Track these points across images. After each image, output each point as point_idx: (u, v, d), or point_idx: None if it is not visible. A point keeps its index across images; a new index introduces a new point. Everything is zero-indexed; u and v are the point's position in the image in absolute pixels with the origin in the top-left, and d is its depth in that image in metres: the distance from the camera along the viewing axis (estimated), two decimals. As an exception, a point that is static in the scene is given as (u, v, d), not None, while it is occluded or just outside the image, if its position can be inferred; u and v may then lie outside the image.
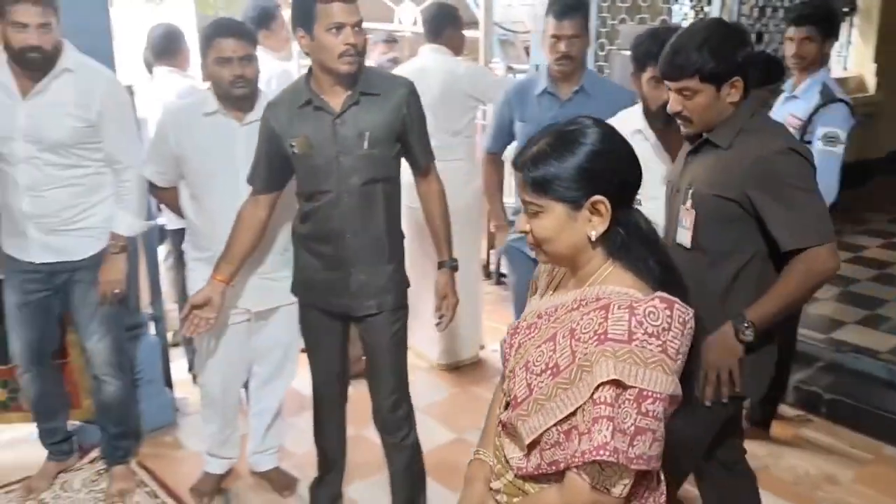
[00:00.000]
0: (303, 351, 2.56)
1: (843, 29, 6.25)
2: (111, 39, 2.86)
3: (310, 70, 2.20)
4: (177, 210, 2.68)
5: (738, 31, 1.87)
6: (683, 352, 1.19)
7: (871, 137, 6.06)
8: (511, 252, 3.00)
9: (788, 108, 2.94)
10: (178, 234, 3.08)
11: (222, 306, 2.37)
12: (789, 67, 3.01)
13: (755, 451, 3.01)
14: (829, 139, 2.78)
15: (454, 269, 2.40)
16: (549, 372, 1.23)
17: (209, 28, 2.43)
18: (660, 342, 1.14)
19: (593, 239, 1.23)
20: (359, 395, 2.52)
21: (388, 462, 2.47)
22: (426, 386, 3.53)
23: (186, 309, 2.36)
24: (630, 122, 2.33)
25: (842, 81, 5.30)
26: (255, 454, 2.82)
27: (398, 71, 3.58)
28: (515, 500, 1.31)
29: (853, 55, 6.67)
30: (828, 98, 2.83)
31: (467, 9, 5.38)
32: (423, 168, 2.34)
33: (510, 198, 4.66)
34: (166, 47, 3.52)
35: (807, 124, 2.85)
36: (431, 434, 2.77)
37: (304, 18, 2.09)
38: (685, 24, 4.61)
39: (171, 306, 3.63)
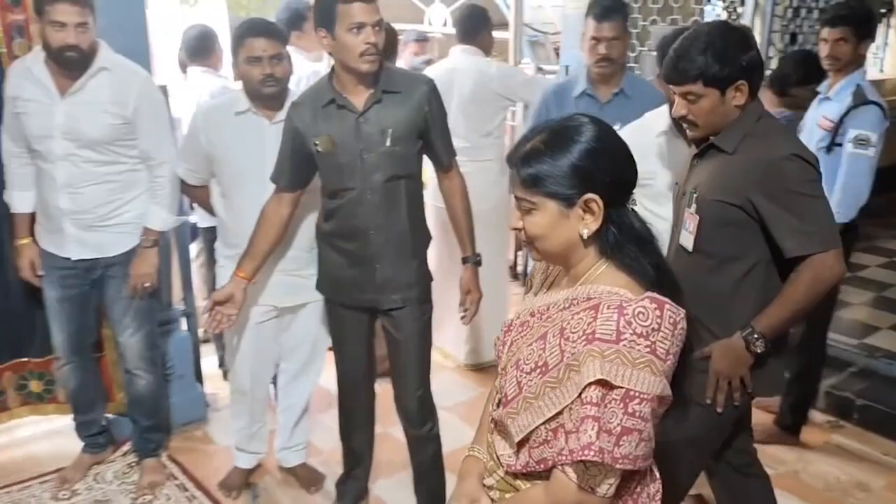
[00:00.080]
0: (330, 349, 2.59)
1: (880, 30, 6.15)
2: (148, 39, 2.91)
3: (332, 70, 2.24)
4: (208, 208, 2.73)
5: (742, 34, 1.84)
6: (674, 352, 1.18)
7: (908, 141, 5.95)
8: None
9: (822, 110, 2.91)
10: (210, 232, 3.14)
11: (244, 303, 2.40)
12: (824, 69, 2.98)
13: (785, 457, 2.99)
14: (860, 142, 2.74)
15: (478, 264, 2.42)
16: (538, 370, 1.23)
17: (240, 28, 2.47)
18: (648, 342, 1.14)
19: (585, 237, 1.23)
20: (385, 393, 2.54)
21: (414, 455, 2.49)
22: (453, 385, 3.54)
23: (209, 304, 2.41)
24: (657, 123, 2.33)
25: (878, 84, 5.21)
26: (283, 450, 2.86)
27: (429, 71, 3.60)
28: (507, 496, 1.32)
29: (890, 57, 6.56)
30: (860, 100, 2.79)
31: (497, 10, 5.40)
32: (446, 164, 2.36)
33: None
34: (200, 48, 3.57)
35: (838, 126, 2.81)
36: (457, 433, 2.78)
37: (326, 19, 2.13)
38: (717, 25, 4.58)
39: (202, 303, 3.68)
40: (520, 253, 4.75)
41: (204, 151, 2.52)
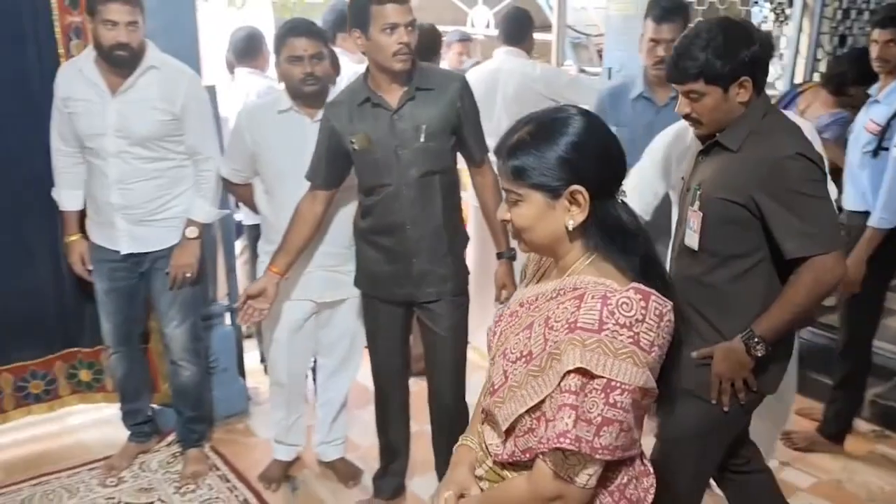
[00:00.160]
0: (367, 347, 2.64)
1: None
2: (197, 41, 2.99)
3: (368, 69, 2.29)
4: (251, 205, 2.79)
5: (743, 30, 1.80)
6: (660, 344, 1.17)
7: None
8: None
9: (870, 113, 2.85)
10: (254, 229, 3.20)
11: (276, 297, 2.46)
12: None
13: (828, 466, 2.94)
14: None
15: (512, 258, 2.44)
16: (523, 359, 1.23)
17: (282, 28, 2.53)
18: (631, 333, 1.13)
19: (571, 229, 1.22)
20: (421, 391, 2.57)
21: (437, 452, 2.54)
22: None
23: (242, 298, 2.47)
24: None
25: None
26: (322, 444, 2.91)
27: (473, 73, 3.63)
28: (496, 486, 1.32)
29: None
30: (908, 103, 2.73)
31: (540, 11, 5.40)
32: (478, 160, 2.39)
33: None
34: (247, 49, 3.65)
35: (885, 130, 2.75)
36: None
37: (361, 20, 2.18)
38: (765, 26, 4.52)
39: (245, 299, 3.76)
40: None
41: (248, 150, 2.58)
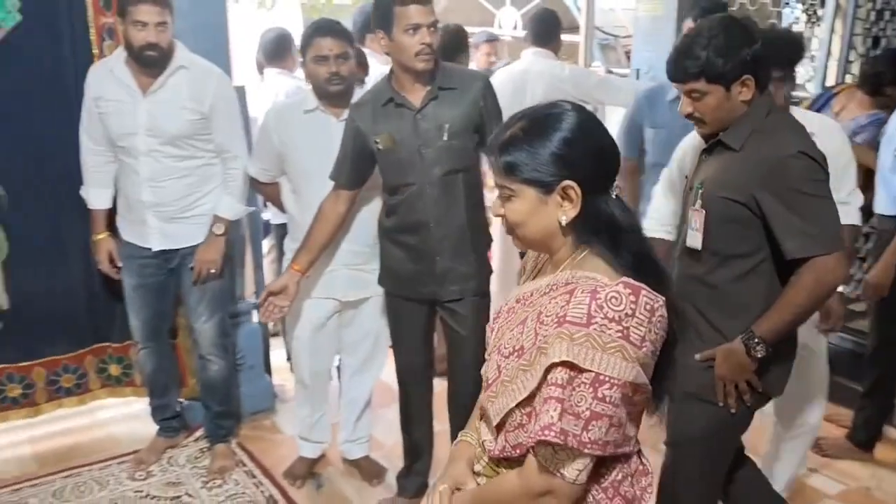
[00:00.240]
0: (391, 347, 2.65)
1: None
2: (228, 42, 3.03)
3: (392, 70, 2.32)
4: (278, 204, 2.83)
5: (744, 28, 1.79)
6: (652, 340, 1.16)
7: None
8: None
9: (904, 116, 2.81)
10: (282, 229, 3.24)
11: (297, 294, 2.49)
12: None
13: (857, 473, 2.90)
14: None
15: None
16: (515, 354, 1.23)
17: (309, 28, 2.56)
18: (620, 327, 1.12)
19: (563, 224, 1.22)
20: (445, 391, 2.58)
21: None
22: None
23: (263, 295, 2.50)
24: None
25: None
26: (347, 443, 2.93)
27: (501, 74, 3.64)
28: (489, 481, 1.32)
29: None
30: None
31: (567, 13, 5.39)
32: None
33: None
34: (277, 50, 3.69)
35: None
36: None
37: (384, 21, 2.21)
38: (796, 27, 4.47)
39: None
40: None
41: (275, 149, 2.61)
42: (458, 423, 2.49)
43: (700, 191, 1.83)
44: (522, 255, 2.41)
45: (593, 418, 1.12)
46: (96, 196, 2.74)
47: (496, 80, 3.44)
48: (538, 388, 1.18)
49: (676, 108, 2.72)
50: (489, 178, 3.00)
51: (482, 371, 1.36)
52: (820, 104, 3.42)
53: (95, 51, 2.76)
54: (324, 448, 2.94)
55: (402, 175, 2.31)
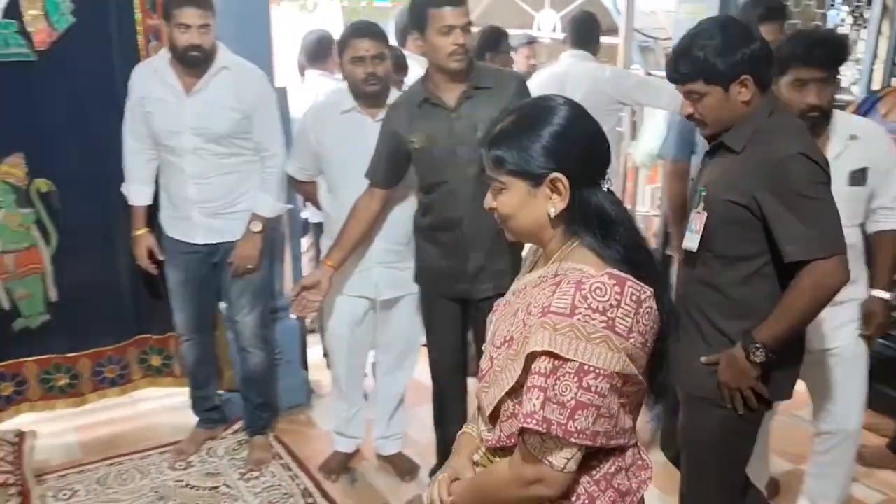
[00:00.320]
0: (425, 346, 2.68)
1: None
2: (271, 44, 3.10)
3: (427, 71, 2.36)
4: (316, 203, 2.88)
5: (742, 28, 1.77)
6: (640, 331, 1.16)
7: None
8: None
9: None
10: (320, 227, 3.29)
11: (329, 290, 2.53)
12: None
13: (893, 482, 2.84)
14: None
15: None
16: (505, 344, 1.25)
17: (347, 30, 2.62)
18: (605, 318, 1.13)
19: (552, 216, 1.23)
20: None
21: None
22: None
23: (297, 289, 2.55)
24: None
25: None
26: (380, 439, 2.96)
27: (539, 76, 3.65)
28: (483, 470, 1.34)
29: None
30: None
31: (607, 15, 5.37)
32: None
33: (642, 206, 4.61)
34: (318, 52, 3.75)
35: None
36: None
37: (419, 22, 2.27)
38: (842, 30, 4.39)
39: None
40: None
41: (312, 149, 2.67)
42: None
43: (703, 194, 1.83)
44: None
45: (579, 408, 1.13)
46: (137, 193, 2.81)
47: (535, 83, 3.46)
48: (525, 377, 1.19)
49: None
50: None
51: (480, 363, 1.39)
52: (866, 108, 3.36)
53: (142, 52, 2.84)
54: (358, 443, 2.98)
55: (437, 174, 2.34)
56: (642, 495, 1.32)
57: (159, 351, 3.15)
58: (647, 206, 4.51)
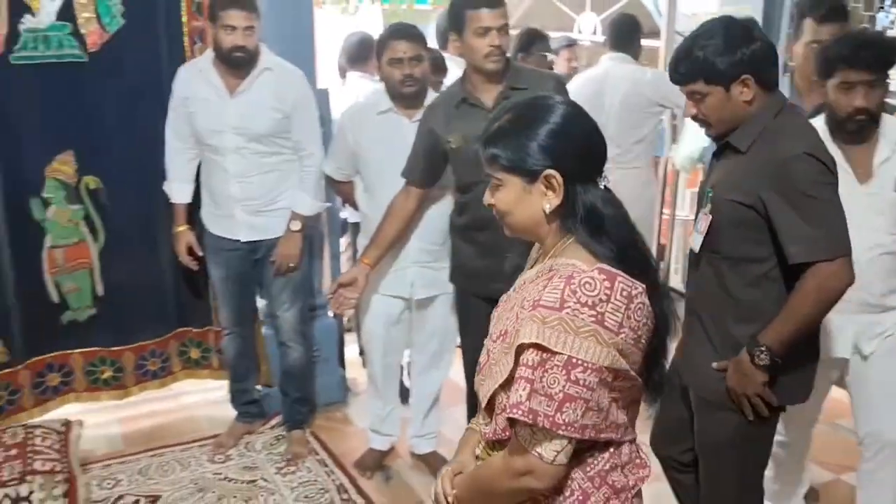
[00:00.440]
0: (460, 347, 2.69)
1: None
2: (314, 46, 3.15)
3: (465, 72, 2.39)
4: (353, 203, 2.92)
5: (743, 27, 1.75)
6: (632, 327, 1.17)
7: None
8: None
9: None
10: (358, 227, 3.32)
11: (365, 287, 2.57)
12: None
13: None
14: None
15: None
16: (501, 338, 1.27)
17: (385, 32, 2.66)
18: (594, 312, 1.14)
19: (547, 212, 1.25)
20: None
21: None
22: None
23: (334, 286, 2.58)
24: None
25: None
26: (415, 437, 2.98)
27: (579, 78, 3.65)
28: (480, 463, 1.36)
29: None
30: None
31: (649, 18, 5.33)
32: None
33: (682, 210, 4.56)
34: (360, 54, 3.79)
35: None
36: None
37: (457, 24, 2.30)
38: (891, 32, 4.30)
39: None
40: (661, 263, 4.66)
41: (349, 149, 2.70)
42: None
43: (710, 195, 1.82)
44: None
45: (567, 400, 1.14)
46: (178, 190, 2.88)
47: (574, 85, 3.46)
48: (514, 369, 1.21)
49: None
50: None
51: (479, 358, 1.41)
52: (914, 111, 3.29)
53: (187, 53, 2.91)
54: (393, 441, 3.00)
55: (474, 173, 2.34)
56: (639, 491, 1.33)
57: (198, 344, 3.22)
58: (686, 211, 4.46)
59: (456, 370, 2.91)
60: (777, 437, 2.37)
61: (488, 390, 1.28)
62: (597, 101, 3.39)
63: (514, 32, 3.20)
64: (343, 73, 3.90)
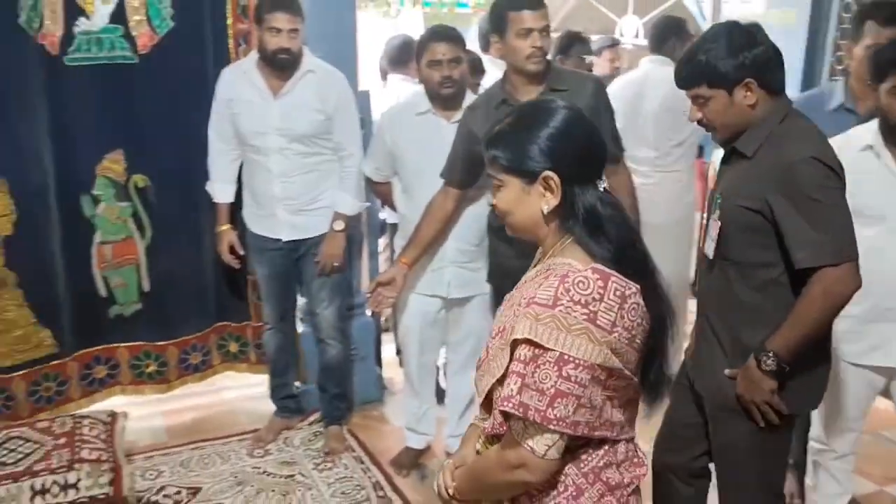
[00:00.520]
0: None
1: None
2: (356, 49, 3.19)
3: (505, 73, 2.40)
4: (390, 203, 2.95)
5: (746, 32, 1.74)
6: (626, 326, 1.20)
7: None
8: None
9: None
10: (396, 228, 3.36)
11: (403, 286, 2.59)
12: None
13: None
14: None
15: None
16: (499, 335, 1.30)
17: (425, 34, 2.69)
18: (586, 311, 1.16)
19: (545, 212, 1.28)
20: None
21: None
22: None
23: (373, 286, 2.62)
24: (861, 138, 2.20)
25: None
26: (451, 437, 2.99)
27: (620, 81, 3.63)
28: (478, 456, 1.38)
29: None
30: None
31: (693, 21, 5.28)
32: (613, 158, 2.41)
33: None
34: (401, 57, 3.82)
35: None
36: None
37: (498, 25, 2.31)
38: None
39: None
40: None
41: (388, 150, 2.73)
42: None
43: (718, 201, 1.82)
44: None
45: (558, 396, 1.16)
46: (221, 191, 2.94)
47: (615, 87, 3.44)
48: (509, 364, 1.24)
49: (839, 118, 2.55)
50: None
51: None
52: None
53: (232, 55, 2.97)
54: (429, 440, 3.02)
55: None
56: (636, 488, 1.34)
57: (237, 338, 3.28)
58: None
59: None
60: (819, 446, 2.35)
61: (486, 385, 1.31)
62: (636, 104, 3.37)
63: (554, 35, 3.20)
64: (384, 76, 3.93)
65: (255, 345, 3.25)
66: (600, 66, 4.21)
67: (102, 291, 3.01)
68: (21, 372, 2.87)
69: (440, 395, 3.18)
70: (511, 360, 1.23)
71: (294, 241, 2.88)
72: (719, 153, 4.00)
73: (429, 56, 2.57)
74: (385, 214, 3.71)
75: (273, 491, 2.78)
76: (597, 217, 1.26)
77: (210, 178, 2.94)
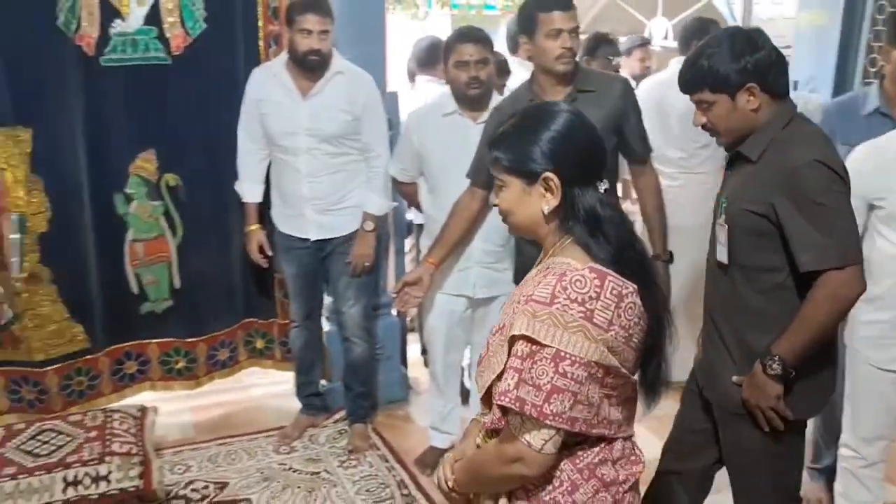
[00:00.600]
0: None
1: None
2: (385, 50, 3.21)
3: (532, 74, 2.41)
4: (416, 204, 2.97)
5: (747, 36, 1.73)
6: (623, 325, 1.22)
7: None
8: None
9: None
10: (422, 228, 3.37)
11: (430, 286, 2.61)
12: None
13: None
14: None
15: (668, 261, 2.44)
16: (499, 332, 1.33)
17: (452, 35, 2.70)
18: (583, 309, 1.19)
19: (545, 213, 1.31)
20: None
21: None
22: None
23: (399, 285, 2.64)
24: (896, 142, 2.16)
25: None
26: (475, 437, 3.01)
27: (647, 82, 3.61)
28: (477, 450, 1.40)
29: None
30: None
31: (724, 23, 5.23)
32: (640, 157, 2.41)
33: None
34: (429, 58, 3.84)
35: None
36: (648, 445, 2.76)
37: (528, 26, 2.32)
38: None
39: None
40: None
41: (414, 151, 2.75)
42: None
43: (724, 205, 1.81)
44: (657, 258, 2.43)
45: (554, 391, 1.19)
46: (249, 190, 2.98)
47: (643, 88, 3.43)
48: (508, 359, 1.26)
49: (875, 123, 2.53)
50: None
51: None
52: None
53: (262, 56, 3.01)
54: (453, 440, 3.02)
55: None
56: (633, 485, 1.35)
57: (263, 335, 3.32)
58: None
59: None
60: (849, 454, 2.32)
61: (486, 381, 1.33)
62: (663, 105, 3.35)
63: (582, 37, 3.19)
64: (412, 77, 3.96)
65: (280, 342, 3.29)
66: (630, 65, 4.20)
67: (134, 288, 3.07)
68: (54, 366, 2.93)
69: (465, 394, 3.19)
70: (509, 356, 1.25)
71: (321, 240, 2.92)
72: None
73: (456, 57, 2.59)
74: (411, 215, 3.73)
75: (299, 487, 2.81)
76: (596, 218, 1.29)
77: (239, 178, 2.98)
